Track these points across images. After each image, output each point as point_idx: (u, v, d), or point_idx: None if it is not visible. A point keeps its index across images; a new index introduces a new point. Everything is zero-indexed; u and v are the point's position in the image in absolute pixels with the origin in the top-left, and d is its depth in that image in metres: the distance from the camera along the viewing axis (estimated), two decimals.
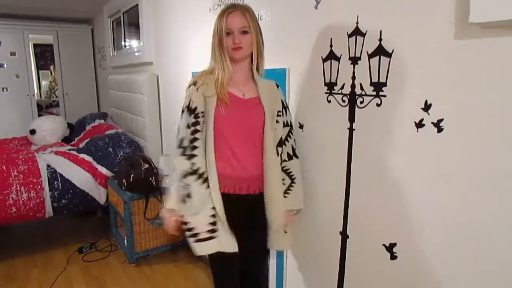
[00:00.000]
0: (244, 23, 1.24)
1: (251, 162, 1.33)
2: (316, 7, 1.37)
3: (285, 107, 1.41)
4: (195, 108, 1.28)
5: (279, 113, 1.38)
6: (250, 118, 1.32)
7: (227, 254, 1.31)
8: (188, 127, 1.28)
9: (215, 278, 1.43)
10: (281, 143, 1.39)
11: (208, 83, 1.29)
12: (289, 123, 1.42)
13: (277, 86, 1.42)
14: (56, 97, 5.40)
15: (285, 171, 1.42)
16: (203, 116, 1.29)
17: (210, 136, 1.28)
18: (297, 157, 1.44)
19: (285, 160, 1.42)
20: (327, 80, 1.36)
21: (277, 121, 1.37)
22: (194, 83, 1.30)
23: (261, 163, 1.34)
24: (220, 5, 1.95)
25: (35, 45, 5.84)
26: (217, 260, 1.36)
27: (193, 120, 1.28)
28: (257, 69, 1.36)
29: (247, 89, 1.34)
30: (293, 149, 1.43)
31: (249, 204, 1.36)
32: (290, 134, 1.42)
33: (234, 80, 1.31)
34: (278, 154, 1.37)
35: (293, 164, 1.43)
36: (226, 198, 1.30)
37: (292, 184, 1.42)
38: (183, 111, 1.32)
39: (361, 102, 1.24)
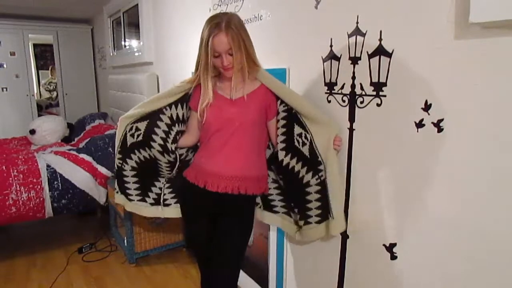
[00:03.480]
0: (227, 45, 1.22)
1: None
2: (316, 7, 1.37)
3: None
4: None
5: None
6: (234, 118, 1.35)
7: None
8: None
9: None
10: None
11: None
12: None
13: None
14: (56, 95, 5.40)
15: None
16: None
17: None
18: None
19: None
20: (327, 80, 1.36)
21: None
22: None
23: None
24: (220, 5, 1.95)
25: (35, 45, 5.84)
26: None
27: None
28: (253, 70, 1.33)
29: (246, 88, 1.33)
30: None
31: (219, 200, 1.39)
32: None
33: (224, 83, 1.36)
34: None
35: None
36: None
37: None
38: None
39: (361, 102, 1.24)
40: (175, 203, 1.64)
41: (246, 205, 1.46)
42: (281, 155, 1.37)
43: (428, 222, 1.08)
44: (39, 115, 4.63)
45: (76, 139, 3.61)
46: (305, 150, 1.33)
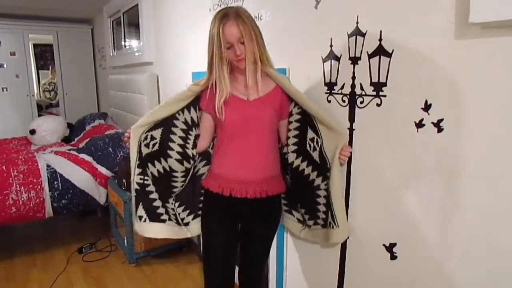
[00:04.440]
0: (239, 33, 1.19)
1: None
2: (316, 7, 1.37)
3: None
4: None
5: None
6: (249, 120, 1.32)
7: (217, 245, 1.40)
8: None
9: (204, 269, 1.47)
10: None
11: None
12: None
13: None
14: (56, 95, 5.40)
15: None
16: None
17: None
18: None
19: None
20: (327, 80, 1.36)
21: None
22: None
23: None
24: (220, 5, 1.95)
25: (35, 45, 5.83)
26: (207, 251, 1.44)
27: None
28: (265, 67, 1.30)
29: (254, 90, 1.31)
30: None
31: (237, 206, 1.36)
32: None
33: (239, 84, 1.32)
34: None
35: None
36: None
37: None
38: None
39: (361, 102, 1.24)
40: (192, 219, 1.50)
41: (273, 205, 1.44)
42: (292, 157, 1.36)
43: (428, 222, 1.08)
44: (39, 115, 4.63)
45: (76, 139, 3.61)
46: (315, 155, 1.32)
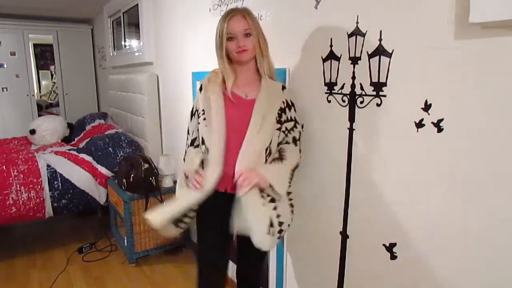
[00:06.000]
0: (245, 25, 1.26)
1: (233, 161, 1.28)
2: (316, 7, 1.37)
3: (289, 105, 1.36)
4: (197, 110, 1.39)
5: (280, 112, 1.32)
6: (242, 119, 1.29)
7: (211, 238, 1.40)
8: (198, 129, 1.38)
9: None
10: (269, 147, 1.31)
11: (215, 82, 1.36)
12: (293, 118, 1.36)
13: (283, 88, 1.36)
14: (56, 95, 5.41)
15: (278, 150, 1.34)
16: (203, 114, 1.35)
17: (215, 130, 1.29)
18: (295, 145, 1.36)
19: (281, 143, 1.35)
20: (327, 80, 1.36)
21: (279, 122, 1.31)
22: (200, 88, 1.39)
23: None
24: (220, 5, 1.95)
25: (35, 45, 5.83)
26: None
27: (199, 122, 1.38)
28: (263, 69, 1.33)
29: (250, 89, 1.34)
30: (294, 139, 1.35)
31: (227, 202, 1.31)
32: (294, 128, 1.36)
33: (238, 81, 1.34)
34: (264, 157, 1.29)
35: (289, 148, 1.34)
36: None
37: (278, 161, 1.30)
38: (192, 115, 1.44)
39: (361, 102, 1.24)
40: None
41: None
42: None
43: (428, 222, 1.08)
44: (39, 115, 4.63)
45: (76, 139, 3.61)
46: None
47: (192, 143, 1.41)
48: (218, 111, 1.30)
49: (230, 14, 1.26)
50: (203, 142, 1.33)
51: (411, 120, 1.08)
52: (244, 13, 1.27)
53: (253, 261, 1.52)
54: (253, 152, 1.27)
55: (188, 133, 1.46)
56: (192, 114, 1.44)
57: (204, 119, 1.34)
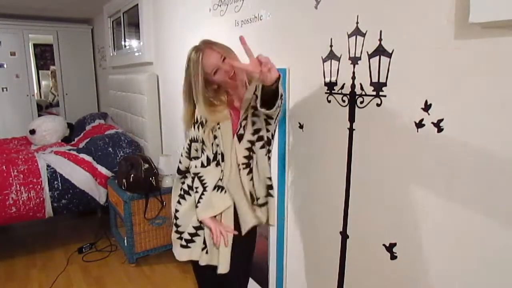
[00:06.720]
0: (218, 53, 1.24)
1: None
2: (316, 7, 1.37)
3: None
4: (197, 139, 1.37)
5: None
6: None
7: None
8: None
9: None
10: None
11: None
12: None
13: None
14: (55, 96, 5.41)
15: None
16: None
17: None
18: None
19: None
20: (327, 80, 1.36)
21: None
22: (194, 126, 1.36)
23: None
24: (220, 5, 1.95)
25: (35, 45, 5.83)
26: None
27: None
28: (245, 77, 1.32)
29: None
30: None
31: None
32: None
33: (235, 100, 1.34)
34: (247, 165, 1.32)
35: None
36: None
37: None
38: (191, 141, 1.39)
39: (361, 102, 1.24)
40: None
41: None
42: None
43: (428, 222, 1.08)
44: (39, 115, 4.63)
45: (76, 139, 3.61)
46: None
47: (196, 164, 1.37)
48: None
49: (198, 54, 1.23)
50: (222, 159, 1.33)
51: (411, 120, 1.08)
52: (207, 45, 1.25)
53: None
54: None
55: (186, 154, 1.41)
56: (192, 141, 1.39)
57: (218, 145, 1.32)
